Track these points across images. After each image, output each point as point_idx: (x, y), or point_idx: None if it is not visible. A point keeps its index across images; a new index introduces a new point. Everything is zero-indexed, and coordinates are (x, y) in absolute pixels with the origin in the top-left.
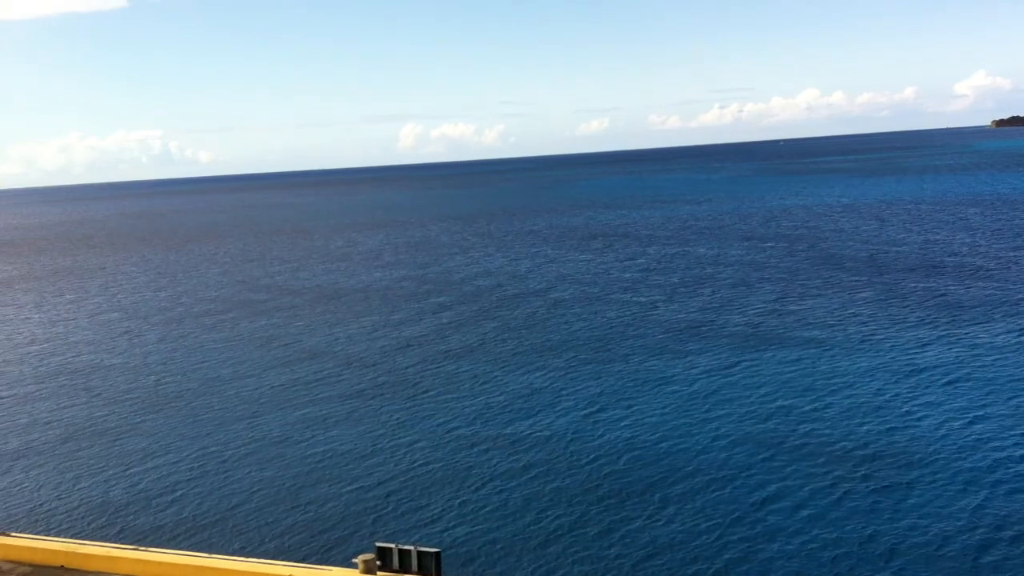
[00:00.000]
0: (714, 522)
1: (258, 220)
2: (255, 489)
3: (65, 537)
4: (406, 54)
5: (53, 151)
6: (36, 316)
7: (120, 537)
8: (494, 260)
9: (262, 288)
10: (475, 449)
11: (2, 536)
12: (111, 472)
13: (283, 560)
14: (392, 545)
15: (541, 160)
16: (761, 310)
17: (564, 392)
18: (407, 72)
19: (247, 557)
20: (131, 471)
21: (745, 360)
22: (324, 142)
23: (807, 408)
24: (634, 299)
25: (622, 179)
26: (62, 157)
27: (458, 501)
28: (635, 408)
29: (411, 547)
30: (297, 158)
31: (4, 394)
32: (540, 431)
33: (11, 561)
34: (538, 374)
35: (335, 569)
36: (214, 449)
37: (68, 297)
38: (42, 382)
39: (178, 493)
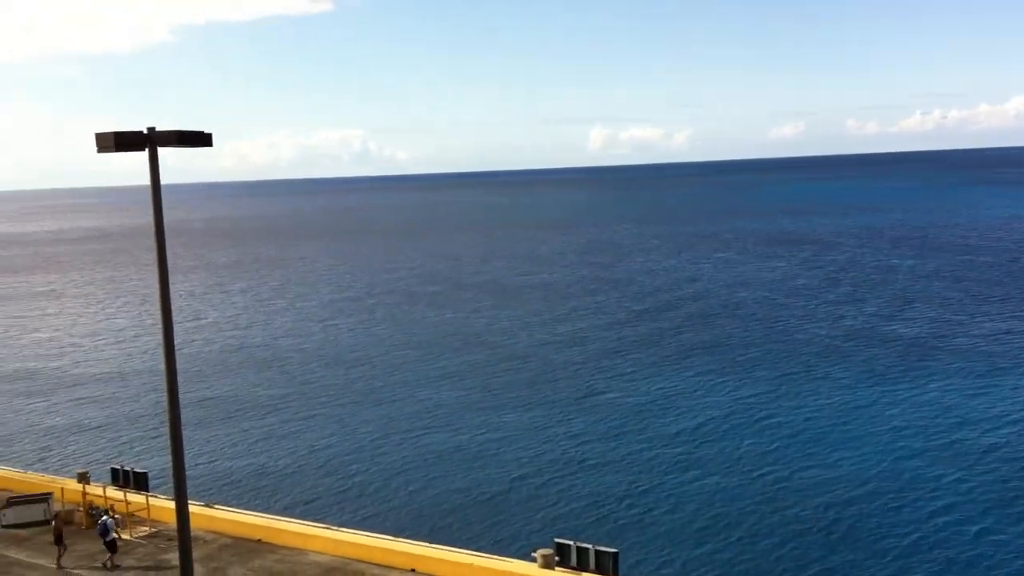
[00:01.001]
0: (886, 531)
1: (448, 218)
2: (437, 476)
3: (262, 512)
4: (597, 56)
5: (262, 147)
6: (241, 301)
7: (312, 516)
8: (675, 263)
9: (448, 282)
10: (647, 449)
11: (207, 508)
12: (303, 453)
13: (465, 548)
14: (571, 542)
15: (730, 164)
16: (952, 323)
17: (737, 397)
18: (598, 74)
19: (430, 543)
20: (322, 453)
21: (931, 373)
22: (516, 143)
23: (992, 424)
24: (819, 308)
25: (814, 185)
26: (270, 153)
27: (633, 502)
28: (810, 416)
29: (589, 545)
30: (489, 158)
31: (208, 371)
32: (710, 435)
33: (214, 532)
34: (711, 377)
35: (514, 561)
36: (399, 437)
37: (271, 284)
38: (244, 364)
39: (364, 477)
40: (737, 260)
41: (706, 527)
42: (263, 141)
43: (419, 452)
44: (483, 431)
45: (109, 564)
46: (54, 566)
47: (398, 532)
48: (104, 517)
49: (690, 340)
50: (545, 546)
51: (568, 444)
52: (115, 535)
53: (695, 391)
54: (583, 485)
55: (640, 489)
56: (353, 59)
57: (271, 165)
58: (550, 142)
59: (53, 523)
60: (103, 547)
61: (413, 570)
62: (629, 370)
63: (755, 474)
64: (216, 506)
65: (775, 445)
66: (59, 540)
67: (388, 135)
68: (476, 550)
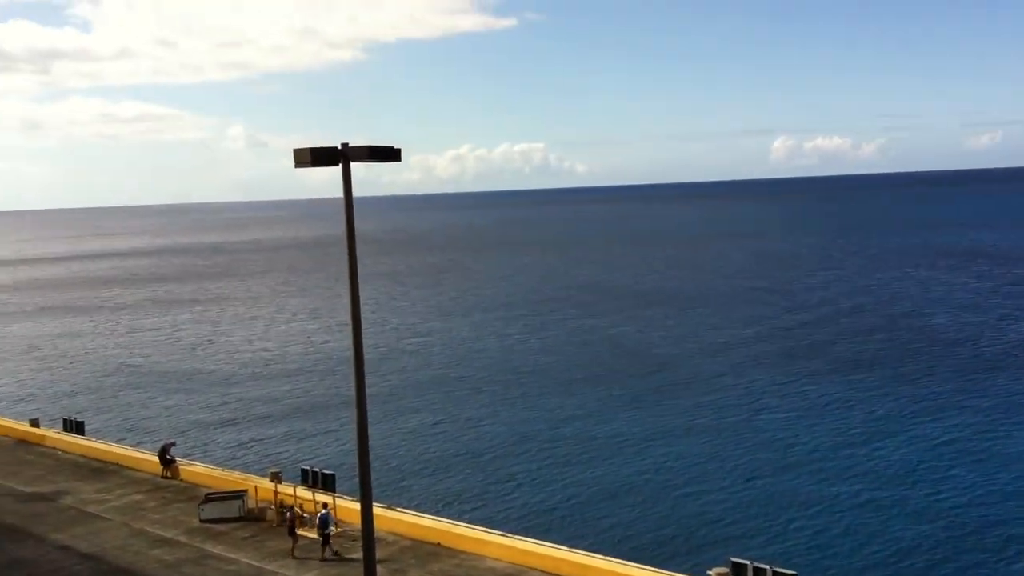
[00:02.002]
0: None
1: (624, 230)
2: (610, 487)
3: (441, 516)
4: (778, 64)
5: (447, 161)
6: (422, 308)
7: (488, 521)
8: (861, 278)
9: (623, 293)
10: (827, 467)
11: (388, 510)
12: (479, 457)
13: (637, 562)
14: (747, 562)
15: (923, 175)
16: None
17: (920, 415)
18: (779, 83)
19: (603, 555)
20: (497, 459)
21: None
22: (694, 155)
23: None
24: (1010, 327)
25: (1013, 198)
26: (454, 167)
27: (811, 522)
28: (999, 438)
29: (767, 566)
30: (667, 170)
31: (391, 377)
32: (894, 454)
33: (395, 534)
34: (891, 394)
35: None
36: (570, 446)
37: (450, 293)
38: (423, 370)
39: (537, 484)
40: (925, 276)
41: (889, 552)
42: (448, 155)
43: (591, 462)
44: (655, 443)
45: (327, 554)
46: (290, 557)
47: (571, 541)
48: (324, 511)
49: (868, 355)
50: (720, 565)
51: (743, 459)
52: (333, 528)
53: (874, 407)
54: (759, 502)
55: (819, 509)
56: (535, 73)
57: (455, 178)
58: (730, 153)
59: (288, 515)
60: (319, 538)
61: None
62: (805, 385)
63: (940, 497)
64: (398, 508)
65: (960, 466)
66: (292, 531)
67: (568, 148)
68: (649, 564)
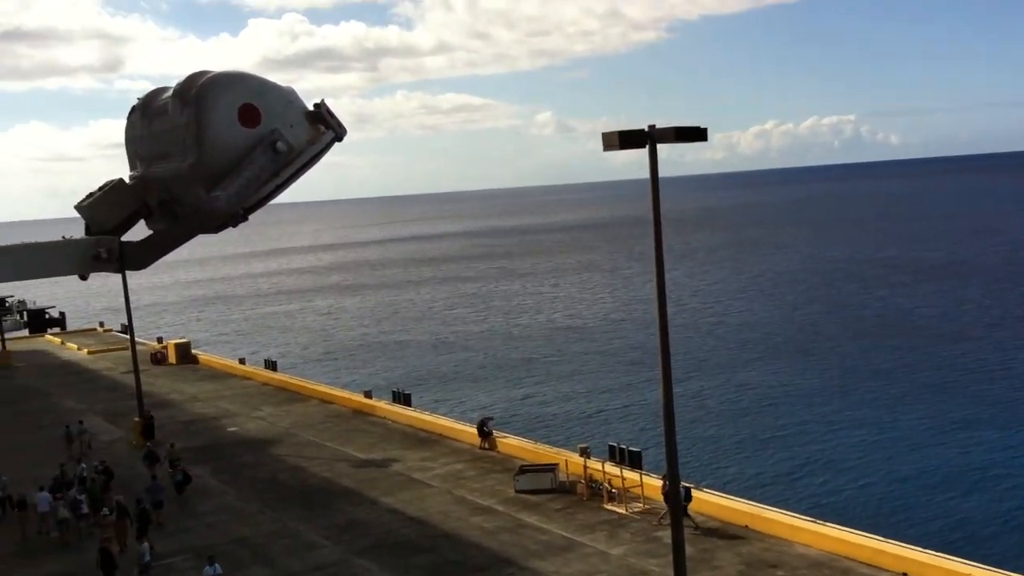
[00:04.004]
0: None
1: (934, 203)
2: (924, 475)
3: (747, 499)
4: None
5: (751, 137)
6: (721, 286)
7: (796, 507)
8: None
9: (930, 271)
10: None
11: (695, 490)
12: (787, 441)
13: (960, 556)
14: None
15: None
16: None
17: None
18: None
19: (924, 548)
20: (807, 443)
21: None
22: (1022, 121)
23: None
24: None
25: None
26: (759, 143)
27: None
28: None
29: None
30: (992, 139)
31: (694, 355)
32: None
33: (701, 514)
34: None
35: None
36: (882, 428)
37: (750, 272)
38: (723, 348)
39: (847, 470)
40: None
41: None
42: (752, 131)
43: (903, 447)
44: (972, 428)
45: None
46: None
47: (885, 531)
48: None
49: None
50: None
51: None
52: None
53: None
54: None
55: None
56: (846, 43)
57: (760, 155)
58: None
59: (664, 486)
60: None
61: (904, 574)
62: None
63: None
64: (704, 489)
65: None
66: (667, 499)
67: (882, 119)
68: (972, 560)
